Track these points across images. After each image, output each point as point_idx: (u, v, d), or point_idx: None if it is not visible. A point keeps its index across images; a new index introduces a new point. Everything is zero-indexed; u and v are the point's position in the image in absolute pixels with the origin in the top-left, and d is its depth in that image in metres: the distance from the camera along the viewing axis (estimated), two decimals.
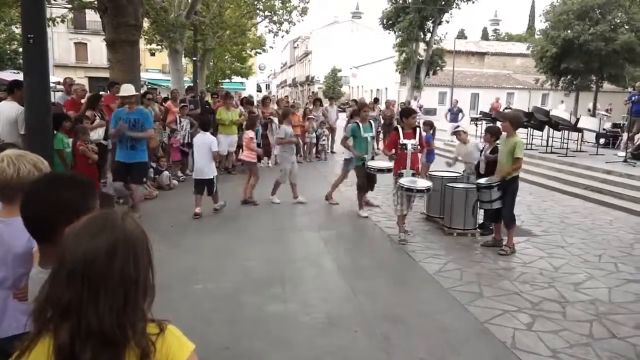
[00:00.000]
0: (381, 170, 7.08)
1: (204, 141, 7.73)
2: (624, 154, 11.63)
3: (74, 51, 39.28)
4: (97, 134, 8.16)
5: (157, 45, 18.39)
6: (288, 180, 8.42)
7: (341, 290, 4.85)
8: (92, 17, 28.47)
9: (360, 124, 7.63)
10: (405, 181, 6.29)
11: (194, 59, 16.30)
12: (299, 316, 4.23)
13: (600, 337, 3.93)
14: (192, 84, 16.09)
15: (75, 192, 1.49)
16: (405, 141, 6.49)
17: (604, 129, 14.80)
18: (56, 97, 9.58)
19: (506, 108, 19.00)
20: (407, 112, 7.01)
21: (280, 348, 3.70)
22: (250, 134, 8.79)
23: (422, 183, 6.52)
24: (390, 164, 6.81)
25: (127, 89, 7.42)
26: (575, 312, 4.40)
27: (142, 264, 1.15)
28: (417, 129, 6.78)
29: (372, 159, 7.51)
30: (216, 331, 3.92)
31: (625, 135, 13.70)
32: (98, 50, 33.61)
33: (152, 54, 26.71)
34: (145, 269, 1.16)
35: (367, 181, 7.62)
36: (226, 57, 29.62)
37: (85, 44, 39.00)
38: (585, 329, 4.06)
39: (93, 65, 37.66)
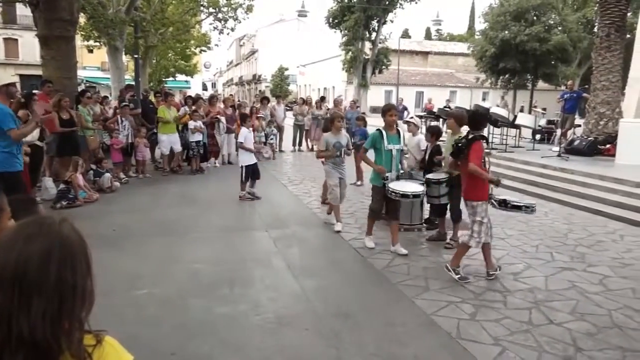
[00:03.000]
0: (406, 196, 5.79)
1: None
2: (557, 149, 12.26)
3: (4, 47, 37.29)
4: (31, 135, 7.74)
5: (95, 41, 17.71)
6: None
7: (291, 289, 4.84)
8: (24, 11, 27.09)
9: (385, 132, 5.94)
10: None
11: (135, 56, 15.77)
12: (248, 317, 4.18)
13: (538, 323, 4.11)
14: (133, 83, 15.59)
15: None
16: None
17: (539, 126, 15.51)
18: None
19: (445, 106, 19.61)
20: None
21: (229, 350, 3.64)
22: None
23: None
24: (420, 188, 5.90)
25: None
26: (515, 301, 4.58)
27: (80, 270, 1.10)
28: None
29: (398, 178, 6.02)
30: (162, 337, 3.81)
31: (559, 131, 14.45)
32: (30, 46, 32.04)
33: (90, 51, 25.70)
34: (83, 275, 1.10)
35: (387, 206, 6.11)
36: (170, 54, 28.89)
37: (16, 39, 37.13)
38: (524, 316, 4.24)
39: (24, 62, 35.87)
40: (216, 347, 3.67)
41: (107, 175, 9.38)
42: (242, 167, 8.58)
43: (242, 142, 8.58)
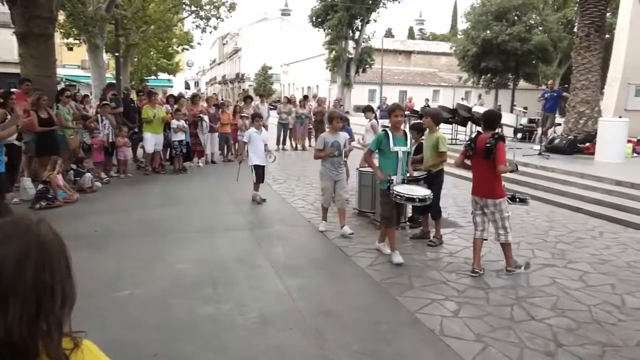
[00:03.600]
0: (411, 199, 5.48)
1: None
2: (538, 147, 12.41)
3: None
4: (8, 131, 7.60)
5: (75, 39, 17.43)
6: (334, 203, 6.91)
7: (275, 289, 4.82)
8: (0, 7, 26.55)
9: (391, 133, 5.63)
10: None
11: (116, 54, 15.58)
12: (232, 317, 4.15)
13: (520, 319, 4.16)
14: (114, 81, 15.39)
15: None
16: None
17: (521, 124, 15.71)
18: None
19: (425, 106, 19.80)
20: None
21: (212, 351, 3.62)
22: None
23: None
24: (426, 192, 5.58)
25: None
26: (498, 298, 4.63)
27: (59, 271, 1.07)
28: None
29: (404, 182, 5.67)
30: (144, 338, 3.77)
31: (539, 130, 14.64)
32: (8, 44, 31.41)
33: (70, 49, 25.33)
34: (62, 276, 1.08)
35: (396, 212, 5.77)
36: (151, 53, 28.59)
37: None
38: (506, 313, 4.28)
39: (2, 60, 35.13)
40: (199, 347, 3.64)
41: (88, 175, 9.25)
42: (250, 167, 8.47)
43: (245, 142, 8.57)
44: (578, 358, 3.53)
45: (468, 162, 5.45)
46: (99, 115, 10.31)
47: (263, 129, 8.79)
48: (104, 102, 10.95)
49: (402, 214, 5.95)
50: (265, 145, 8.50)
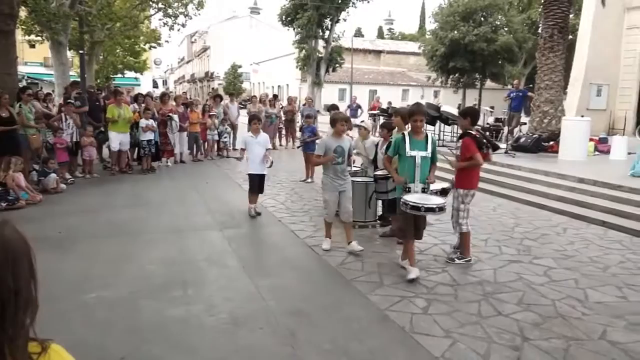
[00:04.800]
0: (416, 208, 4.85)
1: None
2: (505, 146, 12.69)
3: None
4: None
5: (37, 36, 16.92)
6: (336, 216, 6.16)
7: (246, 289, 4.79)
8: None
9: (409, 136, 5.19)
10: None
11: (81, 52, 15.18)
12: (202, 318, 4.11)
13: (487, 315, 4.25)
14: (78, 79, 15.00)
15: None
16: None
17: (487, 123, 16.02)
18: None
19: (388, 106, 20.05)
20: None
21: (182, 352, 3.57)
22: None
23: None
24: (439, 201, 4.99)
25: None
26: (466, 294, 4.71)
27: (23, 275, 1.04)
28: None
29: (424, 191, 5.13)
30: (112, 341, 3.69)
31: (505, 129, 14.97)
32: None
33: (32, 46, 24.59)
34: (26, 280, 1.05)
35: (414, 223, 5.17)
36: (117, 50, 28.00)
37: None
38: (474, 309, 4.36)
39: None
40: (169, 349, 3.59)
41: (53, 175, 9.00)
42: (248, 174, 7.63)
43: (243, 149, 7.65)
44: (543, 352, 3.62)
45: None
46: (62, 114, 10.05)
47: (262, 132, 7.87)
48: (68, 100, 10.67)
49: (424, 227, 5.31)
50: (267, 150, 7.56)
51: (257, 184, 7.57)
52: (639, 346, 3.72)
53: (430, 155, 5.16)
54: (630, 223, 7.18)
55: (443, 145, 13.72)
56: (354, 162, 6.32)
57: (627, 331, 3.97)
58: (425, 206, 4.85)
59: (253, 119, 8.00)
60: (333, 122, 6.01)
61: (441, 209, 4.87)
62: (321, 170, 6.12)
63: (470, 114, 5.89)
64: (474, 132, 5.63)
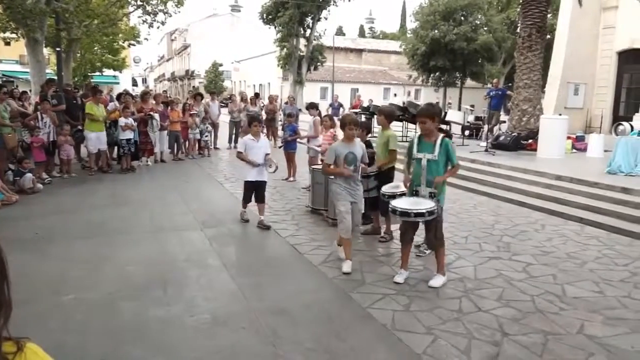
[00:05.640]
0: (406, 214, 4.75)
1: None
2: (485, 144, 12.83)
3: None
4: None
5: (12, 33, 16.54)
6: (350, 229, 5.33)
7: (227, 288, 4.76)
8: None
9: (418, 139, 5.00)
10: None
11: (58, 49, 14.88)
12: (182, 318, 4.06)
13: (468, 311, 4.29)
14: (55, 77, 14.71)
15: None
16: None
17: (468, 122, 16.17)
18: None
19: (369, 104, 20.16)
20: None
21: (162, 353, 3.53)
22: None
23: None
24: (428, 205, 4.73)
25: None
26: (447, 291, 4.75)
27: None
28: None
29: (433, 196, 4.83)
30: (91, 343, 3.63)
31: (485, 127, 15.14)
32: None
33: (7, 43, 23.98)
34: None
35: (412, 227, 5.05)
36: (96, 48, 27.51)
37: None
38: (455, 305, 4.40)
39: None
40: (149, 350, 3.55)
41: (29, 175, 8.81)
42: (244, 182, 7.07)
43: (241, 152, 6.95)
44: (523, 347, 3.67)
45: None
46: (38, 113, 9.85)
47: (262, 136, 7.27)
48: (44, 99, 10.46)
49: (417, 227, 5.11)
50: (267, 155, 6.94)
51: (252, 192, 6.95)
52: (615, 340, 3.79)
53: (437, 158, 4.83)
54: (607, 219, 7.32)
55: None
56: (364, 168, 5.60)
57: (604, 325, 4.05)
58: (415, 212, 4.68)
59: (253, 120, 7.27)
60: (342, 126, 5.41)
61: (431, 212, 4.68)
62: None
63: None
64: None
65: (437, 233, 4.93)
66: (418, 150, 4.92)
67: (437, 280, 4.90)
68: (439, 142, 4.87)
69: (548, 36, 16.50)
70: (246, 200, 7.11)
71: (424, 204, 4.73)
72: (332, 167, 5.26)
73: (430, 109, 5.00)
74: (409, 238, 5.04)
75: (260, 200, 6.99)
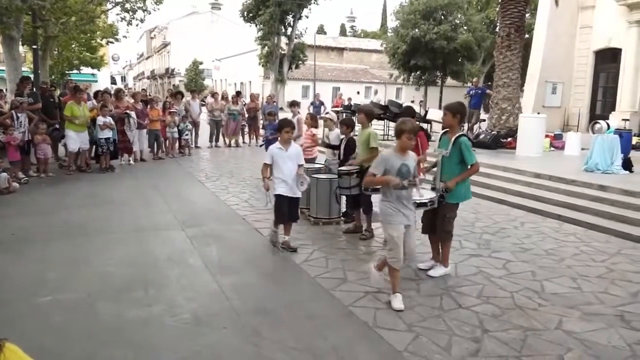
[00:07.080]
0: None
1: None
2: None
3: None
4: None
5: None
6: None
7: (209, 288, 4.72)
8: None
9: (443, 135, 5.15)
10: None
11: (34, 47, 14.63)
12: (163, 319, 4.02)
13: (449, 308, 4.33)
14: (31, 75, 14.44)
15: None
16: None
17: None
18: None
19: (349, 102, 20.24)
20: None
21: (143, 354, 3.49)
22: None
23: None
24: (428, 195, 4.83)
25: None
26: (428, 288, 4.79)
27: None
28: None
29: (445, 190, 4.93)
30: (70, 346, 3.58)
31: (465, 126, 15.28)
32: None
33: None
34: None
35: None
36: (73, 46, 27.07)
37: None
38: (436, 302, 4.44)
39: None
40: (130, 352, 3.50)
41: (4, 175, 8.63)
42: (275, 195, 5.76)
43: (266, 165, 5.78)
44: (502, 343, 3.72)
45: None
46: (13, 112, 9.64)
47: (293, 144, 5.89)
48: (19, 97, 10.25)
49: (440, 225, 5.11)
50: (300, 166, 5.79)
51: (286, 208, 5.75)
52: (593, 335, 3.87)
53: (448, 155, 4.85)
54: (584, 216, 7.46)
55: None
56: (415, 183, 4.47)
57: (581, 321, 4.12)
58: (417, 201, 4.63)
59: (286, 125, 5.81)
60: (398, 133, 4.40)
61: (432, 203, 4.84)
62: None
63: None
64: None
65: (445, 227, 5.09)
66: (439, 145, 5.08)
67: (437, 271, 5.10)
68: (453, 139, 4.93)
69: (527, 35, 16.74)
70: (280, 218, 5.87)
71: (426, 195, 4.87)
72: (378, 177, 4.39)
73: (453, 105, 5.11)
74: (426, 230, 5.31)
75: (293, 218, 5.96)
